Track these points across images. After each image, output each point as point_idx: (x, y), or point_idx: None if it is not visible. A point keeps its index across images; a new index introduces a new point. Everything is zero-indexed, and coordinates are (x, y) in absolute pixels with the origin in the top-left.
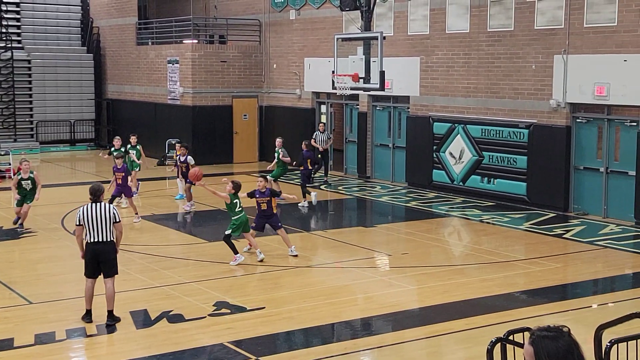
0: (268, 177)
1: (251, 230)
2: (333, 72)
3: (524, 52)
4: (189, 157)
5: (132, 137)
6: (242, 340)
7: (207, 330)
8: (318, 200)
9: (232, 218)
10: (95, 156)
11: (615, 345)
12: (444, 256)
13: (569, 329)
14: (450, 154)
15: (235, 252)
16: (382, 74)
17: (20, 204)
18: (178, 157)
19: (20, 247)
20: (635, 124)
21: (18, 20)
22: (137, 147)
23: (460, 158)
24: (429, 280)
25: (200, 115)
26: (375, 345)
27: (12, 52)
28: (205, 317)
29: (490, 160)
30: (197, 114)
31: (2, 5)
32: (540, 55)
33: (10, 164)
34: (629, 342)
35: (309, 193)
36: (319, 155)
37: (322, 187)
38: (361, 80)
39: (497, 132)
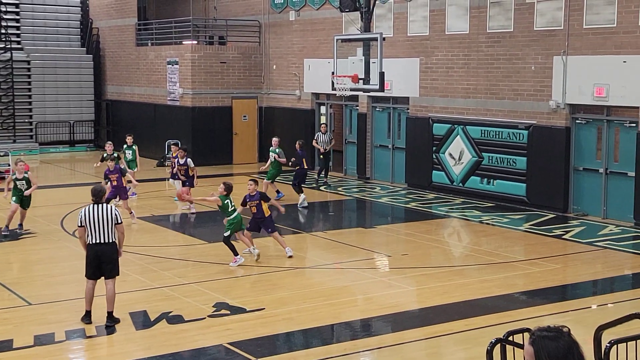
0: (265, 180)
1: (245, 231)
2: (333, 73)
3: (523, 53)
4: (189, 160)
5: (128, 138)
6: (241, 341)
7: (206, 331)
8: (318, 202)
9: (227, 219)
10: (95, 157)
11: (615, 345)
12: (443, 257)
13: (569, 329)
14: (450, 155)
15: (236, 254)
16: (381, 75)
17: (18, 201)
18: (177, 159)
19: (19, 248)
20: (634, 124)
21: (17, 21)
22: (133, 147)
23: (459, 159)
24: (428, 281)
25: (199, 116)
26: (375, 346)
27: (11, 53)
28: (205, 318)
29: (490, 161)
30: (196, 115)
31: (2, 6)
32: (540, 57)
33: (9, 165)
34: (628, 343)
35: (302, 192)
36: (321, 156)
37: (321, 188)
38: (361, 81)
39: (497, 133)
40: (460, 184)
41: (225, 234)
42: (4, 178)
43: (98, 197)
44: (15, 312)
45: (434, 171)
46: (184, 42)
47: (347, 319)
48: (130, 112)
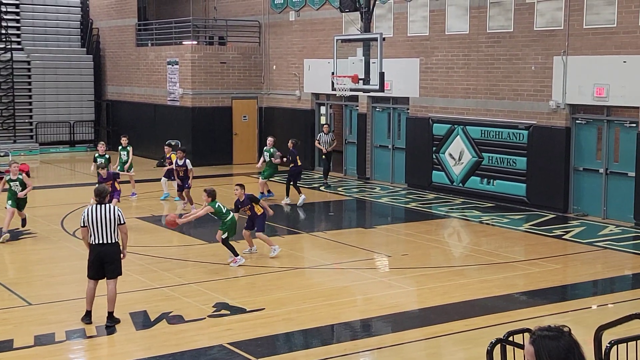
0: (260, 179)
1: (244, 231)
2: (333, 73)
3: (523, 54)
4: (187, 161)
5: (123, 139)
6: (241, 341)
7: (206, 331)
8: (317, 202)
9: (226, 221)
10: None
11: (615, 346)
12: (443, 257)
13: (570, 329)
14: (450, 155)
15: (236, 254)
16: (381, 75)
17: (14, 204)
18: (175, 160)
19: (19, 248)
20: (634, 125)
21: (18, 21)
22: (128, 148)
23: (459, 159)
24: (428, 281)
25: (199, 117)
26: (375, 347)
27: (11, 54)
28: (205, 318)
29: (490, 161)
30: (196, 115)
31: (2, 6)
32: (540, 57)
33: (10, 160)
34: (628, 343)
35: (299, 192)
36: (323, 157)
37: (321, 188)
38: (361, 81)
39: (497, 133)
40: (460, 184)
41: (223, 237)
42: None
43: (101, 197)
44: (16, 312)
45: (434, 171)
46: (184, 43)
47: (347, 319)
48: (130, 112)
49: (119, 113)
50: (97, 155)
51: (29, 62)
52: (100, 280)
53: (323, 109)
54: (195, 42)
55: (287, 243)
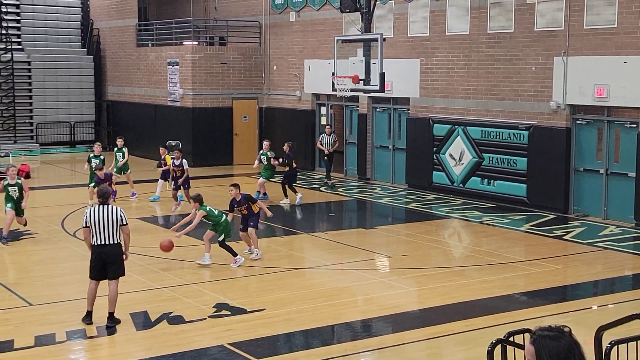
0: (261, 178)
1: (241, 233)
2: (333, 73)
3: (524, 54)
4: (184, 161)
5: (118, 140)
6: (242, 341)
7: (207, 331)
8: (318, 202)
9: (219, 224)
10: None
11: (616, 346)
12: (444, 258)
13: (570, 329)
14: (451, 155)
15: (235, 255)
16: (382, 75)
17: (13, 207)
18: (172, 161)
19: (20, 249)
20: (635, 125)
21: (18, 21)
22: (123, 149)
23: (460, 159)
24: (429, 281)
25: (200, 117)
26: (375, 347)
27: (12, 54)
28: (206, 318)
29: (490, 161)
30: (197, 116)
31: (2, 6)
32: (540, 57)
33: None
34: (629, 344)
35: (295, 192)
36: (325, 158)
37: (322, 188)
38: (361, 81)
39: (497, 133)
40: (461, 185)
41: (220, 239)
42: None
43: (104, 198)
44: (16, 313)
45: (434, 172)
46: (184, 43)
47: (347, 320)
48: (130, 112)
49: (120, 113)
50: (91, 155)
51: (29, 63)
52: (101, 281)
53: (323, 110)
54: (196, 43)
55: (287, 243)
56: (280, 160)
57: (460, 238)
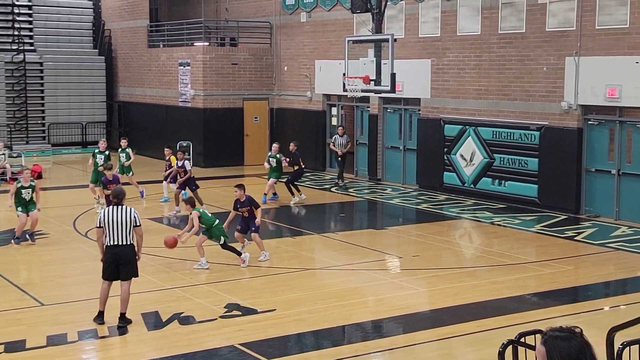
0: (271, 179)
1: (237, 233)
2: (344, 74)
3: (535, 54)
4: (186, 162)
5: (122, 140)
6: (253, 342)
7: (218, 332)
8: (329, 203)
9: (213, 227)
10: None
11: (628, 347)
12: (454, 258)
13: (581, 330)
14: (461, 156)
15: (239, 254)
16: (392, 76)
17: (24, 210)
18: (176, 162)
19: (32, 249)
20: None
21: (30, 23)
22: (127, 150)
23: (471, 160)
24: (439, 282)
25: (211, 118)
26: (386, 348)
27: (24, 55)
28: (216, 319)
29: (502, 162)
30: (208, 117)
31: (15, 8)
32: (552, 57)
33: (22, 166)
34: None
35: (298, 191)
36: (339, 159)
37: (332, 189)
38: (372, 82)
39: (508, 134)
40: (472, 185)
41: (220, 243)
42: (16, 179)
43: (119, 198)
44: (28, 313)
45: (445, 172)
46: (195, 44)
47: (358, 320)
48: (142, 113)
49: (131, 114)
50: (97, 151)
51: (41, 64)
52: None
53: (334, 110)
54: (207, 44)
55: (298, 244)
56: (289, 160)
57: (471, 239)
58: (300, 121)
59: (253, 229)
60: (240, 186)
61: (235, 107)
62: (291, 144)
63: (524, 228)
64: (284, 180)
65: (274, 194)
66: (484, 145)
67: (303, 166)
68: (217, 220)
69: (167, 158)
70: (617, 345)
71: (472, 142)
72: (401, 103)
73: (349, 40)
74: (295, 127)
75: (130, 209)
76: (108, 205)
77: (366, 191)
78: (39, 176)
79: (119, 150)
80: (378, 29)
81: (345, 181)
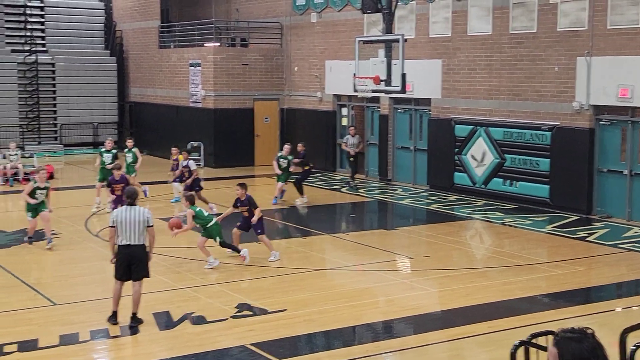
0: (279, 182)
1: (234, 230)
2: (354, 74)
3: (546, 54)
4: (191, 162)
5: (128, 141)
6: (263, 342)
7: (229, 332)
8: (339, 203)
9: (208, 227)
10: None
11: None
12: (465, 259)
13: (593, 331)
14: (472, 156)
15: (238, 251)
16: (403, 76)
17: (34, 215)
18: (180, 162)
19: (44, 249)
20: None
21: (42, 24)
22: (133, 150)
23: (482, 160)
24: (451, 283)
25: (221, 118)
26: (397, 348)
27: (36, 56)
28: (227, 319)
29: (513, 162)
30: (218, 117)
31: (27, 9)
32: (563, 57)
33: (34, 167)
34: None
35: (302, 193)
36: (351, 159)
37: (343, 189)
38: (382, 82)
39: (520, 134)
40: (483, 186)
41: (219, 241)
42: (29, 179)
43: (132, 198)
44: (40, 312)
45: (456, 173)
46: (206, 44)
47: (368, 321)
48: (153, 114)
49: (142, 115)
50: (103, 150)
51: (53, 64)
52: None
53: (344, 111)
54: (218, 44)
55: (308, 244)
56: (297, 161)
57: (482, 239)
58: (311, 122)
59: (259, 231)
60: (243, 185)
61: (246, 107)
62: (299, 145)
63: (535, 229)
64: (293, 180)
65: (283, 191)
66: (494, 145)
67: (312, 166)
68: (214, 220)
69: (174, 157)
70: (629, 346)
71: (483, 143)
72: (412, 103)
73: (359, 41)
74: (305, 127)
75: (144, 209)
76: (115, 206)
77: (377, 191)
78: (51, 176)
79: (125, 150)
80: (388, 29)
81: (356, 181)
